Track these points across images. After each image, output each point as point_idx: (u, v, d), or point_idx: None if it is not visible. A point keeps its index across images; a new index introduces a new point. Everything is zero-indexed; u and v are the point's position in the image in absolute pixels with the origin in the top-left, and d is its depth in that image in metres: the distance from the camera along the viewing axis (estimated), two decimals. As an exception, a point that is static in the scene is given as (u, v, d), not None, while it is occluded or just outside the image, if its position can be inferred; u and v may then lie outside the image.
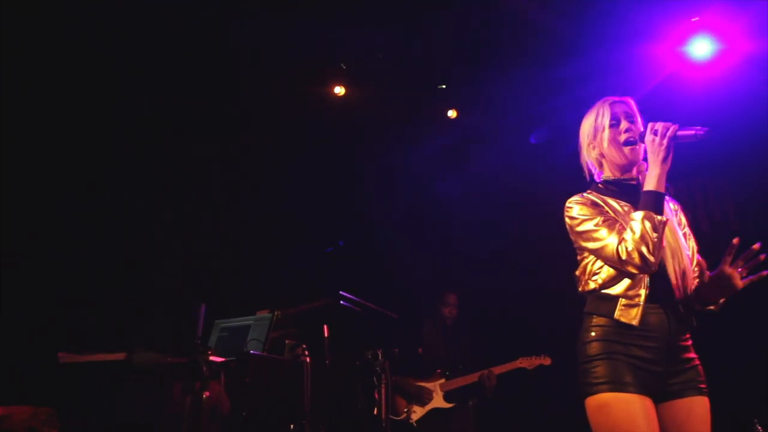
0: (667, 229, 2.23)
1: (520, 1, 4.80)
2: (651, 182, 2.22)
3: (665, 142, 2.20)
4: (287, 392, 3.48)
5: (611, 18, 4.70)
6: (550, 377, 4.96)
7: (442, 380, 5.07)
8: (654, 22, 4.84)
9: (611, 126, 2.40)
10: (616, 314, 2.24)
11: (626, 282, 2.26)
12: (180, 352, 3.46)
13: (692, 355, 2.29)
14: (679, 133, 2.21)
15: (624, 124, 2.39)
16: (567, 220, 2.38)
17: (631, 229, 2.16)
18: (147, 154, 4.84)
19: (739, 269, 2.25)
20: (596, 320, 2.28)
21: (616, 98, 2.46)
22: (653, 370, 2.20)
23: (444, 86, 5.65)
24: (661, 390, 2.21)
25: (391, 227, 5.81)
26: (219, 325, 4.16)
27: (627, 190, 2.38)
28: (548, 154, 5.45)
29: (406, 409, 5.02)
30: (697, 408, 2.23)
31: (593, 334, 2.27)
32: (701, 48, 4.91)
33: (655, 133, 2.22)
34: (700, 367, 2.28)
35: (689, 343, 2.31)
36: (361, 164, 5.90)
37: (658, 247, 2.14)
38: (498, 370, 4.98)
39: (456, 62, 5.39)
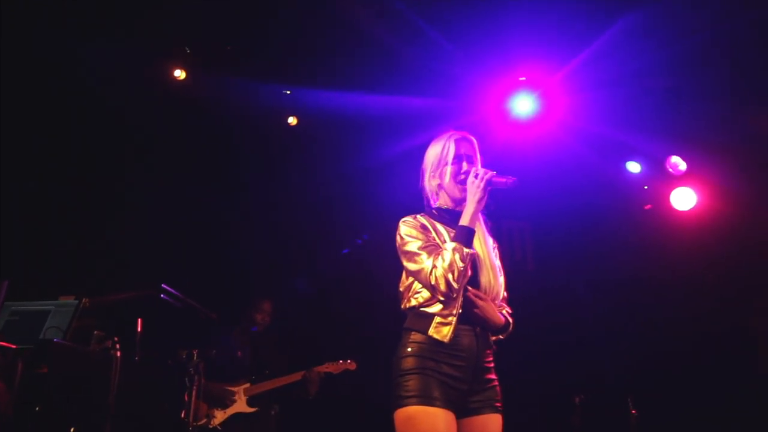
0: (485, 259, 2.52)
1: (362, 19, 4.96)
2: (465, 218, 2.48)
3: (482, 184, 2.49)
4: (91, 387, 3.17)
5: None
6: (355, 383, 5.08)
7: (247, 384, 4.94)
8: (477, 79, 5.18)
9: (453, 163, 2.63)
10: (430, 331, 2.42)
11: (442, 303, 2.44)
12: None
13: (493, 376, 2.53)
14: (494, 179, 2.50)
15: (464, 165, 2.62)
16: (397, 238, 2.56)
17: (442, 258, 2.39)
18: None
19: None
20: (413, 336, 2.45)
21: (461, 135, 2.69)
22: (459, 388, 2.40)
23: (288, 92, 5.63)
24: (463, 406, 2.42)
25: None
26: (9, 307, 3.69)
27: (456, 219, 2.57)
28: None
29: (207, 414, 4.81)
30: (492, 425, 2.46)
31: (409, 349, 2.43)
32: (523, 105, 5.27)
33: (476, 177, 2.50)
34: (498, 388, 2.53)
35: (492, 365, 2.55)
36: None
37: (463, 276, 2.38)
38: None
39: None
